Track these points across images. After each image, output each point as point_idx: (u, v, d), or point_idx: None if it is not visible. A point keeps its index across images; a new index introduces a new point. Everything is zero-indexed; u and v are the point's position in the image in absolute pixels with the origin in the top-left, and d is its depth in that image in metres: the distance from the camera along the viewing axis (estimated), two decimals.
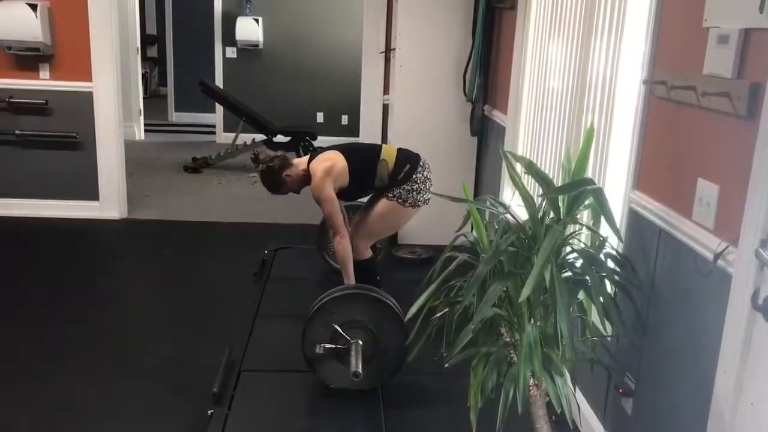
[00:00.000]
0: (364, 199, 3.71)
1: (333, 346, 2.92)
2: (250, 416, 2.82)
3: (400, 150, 3.57)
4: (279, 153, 3.60)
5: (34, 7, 4.92)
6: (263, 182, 3.58)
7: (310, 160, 3.52)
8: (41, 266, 4.48)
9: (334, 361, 2.96)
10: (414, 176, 3.49)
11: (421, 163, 3.53)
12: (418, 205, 3.54)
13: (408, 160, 3.52)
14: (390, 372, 2.98)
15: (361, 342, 2.91)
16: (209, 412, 2.78)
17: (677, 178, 2.11)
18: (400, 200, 3.49)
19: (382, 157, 3.51)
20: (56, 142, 5.28)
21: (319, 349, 2.91)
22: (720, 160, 1.88)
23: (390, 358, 2.95)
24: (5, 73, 5.16)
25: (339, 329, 2.91)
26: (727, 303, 1.77)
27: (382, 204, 3.53)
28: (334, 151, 3.53)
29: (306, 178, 3.51)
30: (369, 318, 2.94)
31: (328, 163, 3.43)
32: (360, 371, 2.76)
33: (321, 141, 7.66)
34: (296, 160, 3.61)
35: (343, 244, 3.44)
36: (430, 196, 3.53)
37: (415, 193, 3.49)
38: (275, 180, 3.53)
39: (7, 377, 3.13)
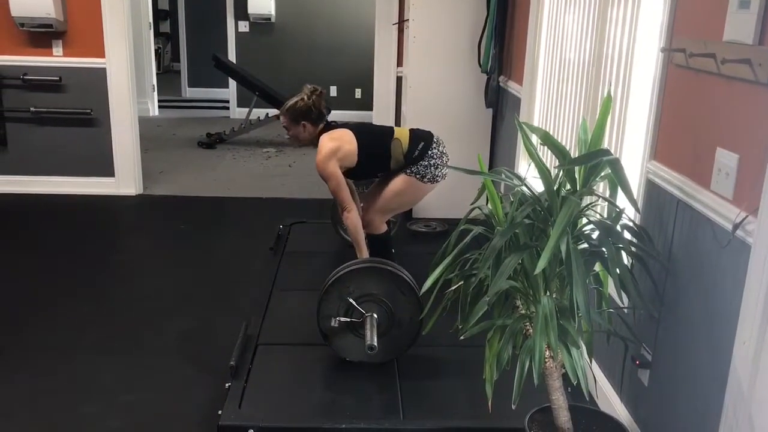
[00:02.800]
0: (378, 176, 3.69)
1: (348, 319, 2.93)
2: (267, 389, 2.84)
3: (412, 130, 3.55)
4: (324, 107, 3.52)
5: None
6: (285, 111, 3.52)
7: (324, 131, 3.51)
8: (58, 243, 4.52)
9: (349, 335, 2.97)
10: (430, 152, 3.47)
11: (435, 139, 3.51)
12: (437, 181, 3.52)
13: (421, 138, 3.50)
14: (405, 345, 2.99)
15: (375, 315, 2.92)
16: (227, 385, 2.81)
17: (696, 148, 2.08)
18: (418, 176, 3.47)
19: (395, 137, 3.48)
20: (71, 118, 5.30)
21: (333, 323, 2.92)
22: (740, 128, 1.85)
23: (405, 331, 2.96)
24: (19, 50, 5.17)
25: (354, 302, 2.91)
26: (746, 274, 1.75)
27: (401, 179, 3.51)
28: (347, 130, 3.51)
29: (314, 141, 3.50)
30: (383, 291, 2.94)
31: (336, 143, 3.42)
32: (375, 344, 2.77)
33: (334, 115, 7.61)
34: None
35: (352, 219, 3.44)
36: (447, 171, 3.51)
37: (433, 168, 3.47)
38: (295, 116, 3.48)
39: (25, 352, 3.18)
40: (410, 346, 2.99)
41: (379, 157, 3.49)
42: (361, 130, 3.56)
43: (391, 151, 3.46)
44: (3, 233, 4.68)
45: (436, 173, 3.49)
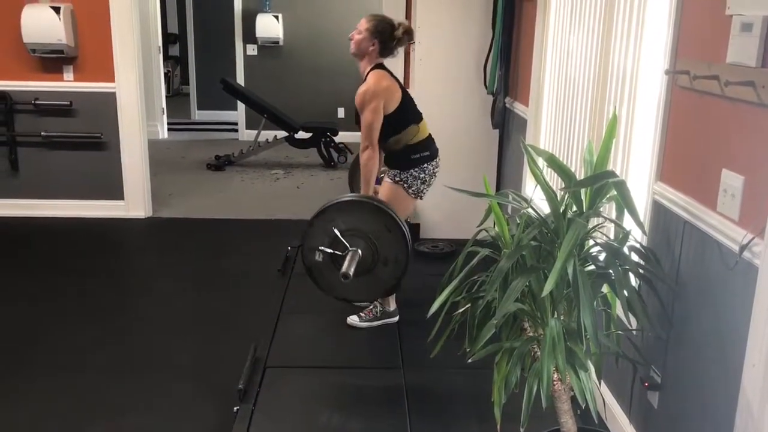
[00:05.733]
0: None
1: (330, 251, 2.87)
2: (275, 413, 2.84)
3: (431, 136, 3.53)
4: (400, 32, 3.40)
5: (57, 9, 4.98)
6: (374, 18, 3.42)
7: (380, 68, 3.42)
8: (68, 265, 4.55)
9: (334, 271, 2.92)
10: (427, 164, 3.44)
11: (438, 159, 3.51)
12: (420, 197, 3.50)
13: (431, 147, 3.48)
14: (390, 283, 2.93)
15: (360, 251, 2.88)
16: (235, 408, 2.81)
17: (701, 169, 2.09)
18: (405, 185, 3.43)
19: (419, 124, 3.45)
20: (81, 142, 5.35)
21: (318, 256, 2.88)
22: (745, 150, 1.85)
23: (390, 269, 2.90)
24: (31, 75, 5.24)
25: (339, 234, 2.86)
26: (754, 295, 1.74)
27: (386, 186, 3.47)
28: (395, 80, 3.45)
29: (367, 64, 3.42)
30: (370, 228, 2.88)
31: (390, 83, 3.36)
32: (350, 273, 2.73)
33: (342, 136, 7.68)
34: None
35: (372, 156, 3.30)
36: (427, 192, 3.50)
37: (420, 182, 3.44)
38: (378, 31, 3.36)
39: (35, 372, 3.19)
40: (395, 286, 2.94)
41: (397, 124, 3.39)
42: (406, 95, 3.48)
43: (404, 132, 3.39)
44: (14, 255, 4.71)
45: (422, 188, 3.46)
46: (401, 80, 6.02)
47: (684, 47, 2.21)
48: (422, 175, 3.44)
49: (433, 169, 3.49)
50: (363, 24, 3.42)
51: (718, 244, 1.95)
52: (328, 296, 2.95)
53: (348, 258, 2.80)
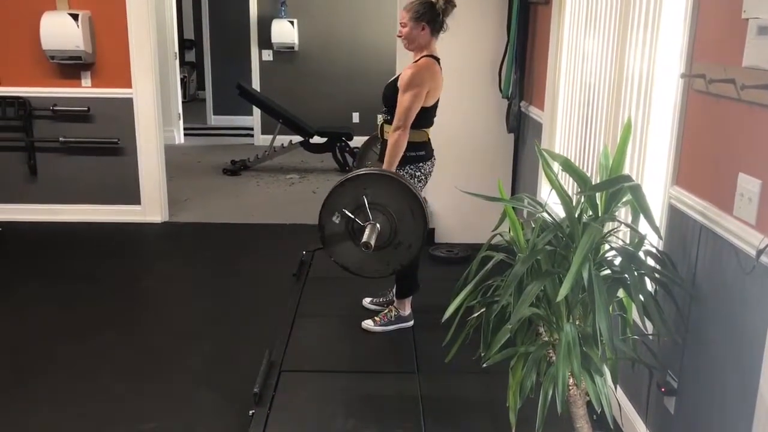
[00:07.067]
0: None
1: (351, 216, 2.88)
2: (290, 417, 2.85)
3: (429, 139, 3.51)
4: (441, 3, 3.30)
5: (75, 16, 5.04)
6: (411, 4, 3.35)
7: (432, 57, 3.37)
8: (85, 269, 4.59)
9: (347, 239, 2.94)
10: (423, 164, 3.41)
11: (433, 158, 3.49)
12: None
13: (427, 148, 3.45)
14: (394, 267, 2.95)
15: (379, 226, 2.89)
16: (250, 412, 2.82)
17: (718, 173, 2.07)
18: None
19: (429, 129, 3.44)
20: (98, 148, 5.40)
21: (336, 218, 2.88)
22: (762, 154, 1.84)
23: (399, 253, 2.92)
24: (49, 81, 5.29)
25: (366, 203, 2.86)
26: None
27: None
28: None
29: (419, 51, 3.35)
30: (396, 207, 2.89)
31: (440, 77, 3.31)
32: (371, 243, 2.77)
33: (357, 141, 7.68)
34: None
35: (402, 136, 3.22)
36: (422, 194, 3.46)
37: (416, 180, 3.41)
38: (421, 13, 3.29)
39: (50, 377, 3.22)
40: (397, 271, 2.97)
41: (420, 122, 3.34)
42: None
43: (418, 131, 3.36)
44: (32, 260, 4.76)
45: (417, 186, 3.42)
46: None
47: (700, 51, 2.20)
48: (417, 174, 3.41)
49: (429, 168, 3.47)
50: (404, 16, 3.36)
51: (734, 248, 1.93)
52: (327, 257, 2.98)
53: (368, 229, 2.82)
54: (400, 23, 3.39)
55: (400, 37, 3.42)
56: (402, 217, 2.87)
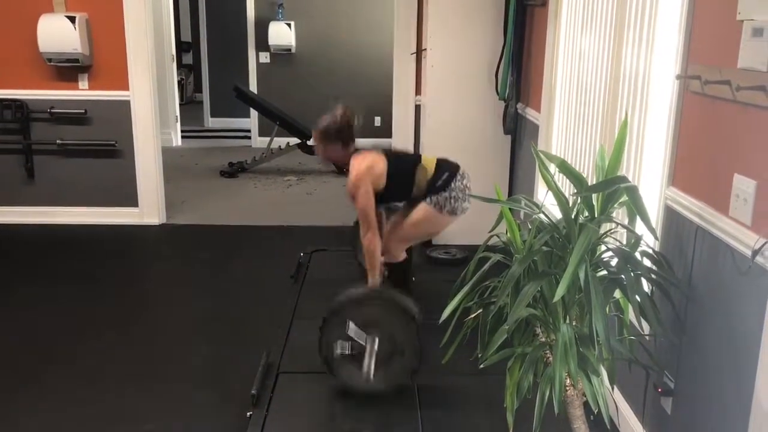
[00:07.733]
0: (400, 204, 3.69)
1: (349, 352, 2.96)
2: (288, 418, 2.85)
3: (439, 160, 3.54)
4: (355, 120, 3.49)
5: (72, 19, 5.04)
6: (317, 132, 3.49)
7: (355, 153, 3.48)
8: (83, 272, 4.58)
9: (353, 364, 2.99)
10: (453, 184, 3.45)
11: (460, 173, 3.50)
12: (456, 213, 3.50)
13: (447, 168, 3.49)
14: (405, 375, 3.00)
15: (376, 339, 2.95)
16: (248, 414, 2.82)
17: (713, 174, 2.08)
18: (437, 207, 3.45)
19: (422, 163, 3.49)
20: (96, 150, 5.40)
21: (336, 352, 2.95)
22: (757, 155, 1.85)
23: (406, 361, 2.98)
24: (46, 84, 5.30)
25: (353, 335, 2.95)
26: (767, 300, 1.74)
27: (421, 209, 3.50)
28: (376, 152, 3.50)
29: (345, 161, 3.47)
30: (380, 321, 2.98)
31: (370, 161, 3.40)
32: (371, 375, 2.85)
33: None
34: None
35: (373, 241, 3.35)
36: (468, 205, 3.49)
37: (452, 200, 3.45)
38: (328, 136, 3.44)
39: (50, 377, 3.22)
40: (410, 377, 3.02)
41: (404, 181, 3.46)
42: (390, 154, 3.54)
43: (416, 177, 3.44)
44: (30, 262, 4.76)
45: (455, 206, 3.47)
46: (414, 88, 6.09)
47: (695, 52, 2.21)
48: (452, 194, 3.44)
49: (460, 182, 3.47)
50: (315, 142, 3.53)
51: (730, 249, 1.94)
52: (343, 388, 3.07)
53: (367, 357, 2.91)
54: (314, 146, 3.59)
55: (320, 164, 3.59)
56: (391, 326, 2.99)
